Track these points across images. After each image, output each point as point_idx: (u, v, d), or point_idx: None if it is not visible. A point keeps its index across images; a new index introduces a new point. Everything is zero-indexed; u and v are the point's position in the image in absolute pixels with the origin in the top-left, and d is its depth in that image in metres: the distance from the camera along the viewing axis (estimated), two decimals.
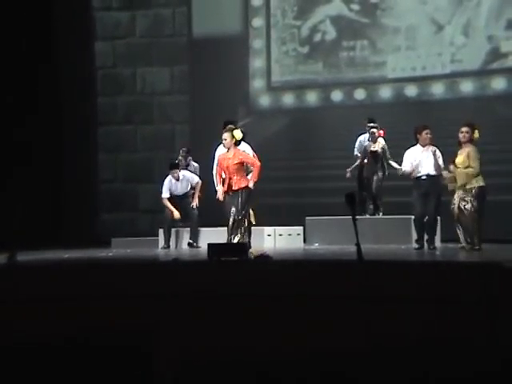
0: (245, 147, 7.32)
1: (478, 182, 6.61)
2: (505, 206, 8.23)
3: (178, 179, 8.48)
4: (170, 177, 8.50)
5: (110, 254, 7.34)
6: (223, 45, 10.55)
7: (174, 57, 10.74)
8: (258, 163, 6.69)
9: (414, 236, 7.21)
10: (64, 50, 10.34)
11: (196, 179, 8.52)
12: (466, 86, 9.93)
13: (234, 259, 5.02)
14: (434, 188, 6.82)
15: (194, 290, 3.50)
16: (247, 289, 3.48)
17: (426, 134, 7.17)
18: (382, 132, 8.48)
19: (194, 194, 8.43)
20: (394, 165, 7.92)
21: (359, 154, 8.67)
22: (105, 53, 10.83)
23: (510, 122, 9.36)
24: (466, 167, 6.71)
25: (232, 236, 6.45)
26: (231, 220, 6.41)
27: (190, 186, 8.52)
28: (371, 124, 8.44)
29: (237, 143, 6.65)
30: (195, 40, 10.80)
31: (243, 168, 6.64)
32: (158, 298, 3.22)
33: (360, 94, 10.51)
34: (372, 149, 8.40)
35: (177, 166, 8.53)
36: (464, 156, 6.62)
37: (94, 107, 10.66)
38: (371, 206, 8.46)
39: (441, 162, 6.90)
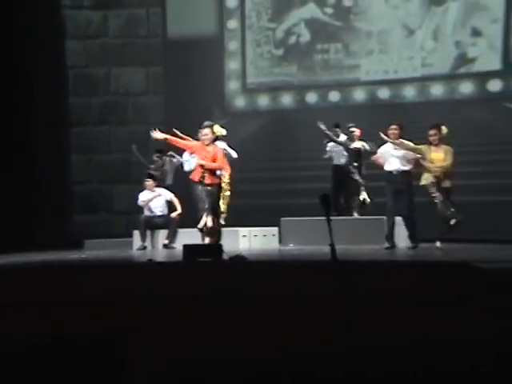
0: (224, 146, 7.24)
1: (450, 181, 6.62)
2: (471, 206, 8.26)
3: (152, 191, 8.48)
4: (145, 191, 8.50)
5: (83, 256, 7.23)
6: (198, 46, 10.52)
7: (148, 58, 10.70)
8: (222, 166, 6.90)
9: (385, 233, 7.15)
10: (33, 48, 10.08)
11: (170, 195, 8.45)
12: (437, 90, 10.10)
13: (209, 260, 4.96)
14: (406, 183, 6.81)
15: (169, 291, 3.46)
16: (222, 289, 3.50)
17: (390, 130, 7.12)
18: (358, 132, 8.52)
19: (174, 209, 8.35)
20: (369, 146, 8.10)
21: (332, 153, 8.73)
22: (76, 52, 10.67)
23: (477, 125, 9.55)
24: (443, 165, 6.73)
25: (205, 230, 6.56)
26: (205, 215, 6.53)
27: (166, 204, 8.50)
28: (351, 124, 8.51)
29: (216, 139, 6.75)
30: (170, 41, 10.76)
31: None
32: (131, 300, 3.21)
33: (334, 96, 10.61)
34: (352, 147, 8.39)
35: (151, 176, 8.46)
36: (442, 153, 6.59)
37: (66, 107, 10.49)
38: (354, 203, 8.43)
39: (411, 155, 6.83)
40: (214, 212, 6.58)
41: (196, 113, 9.14)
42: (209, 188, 6.53)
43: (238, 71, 10.85)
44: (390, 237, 7.09)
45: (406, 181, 6.82)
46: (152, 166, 8.73)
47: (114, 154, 10.62)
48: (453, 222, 6.37)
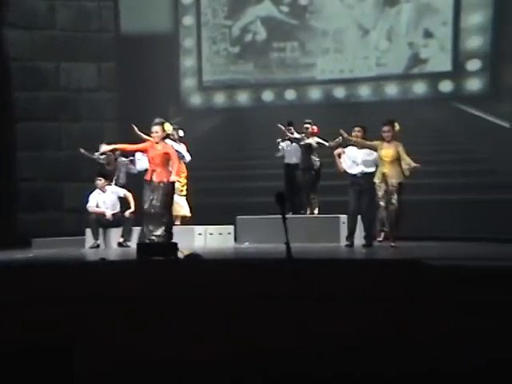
0: (179, 148, 7.22)
1: (401, 178, 6.86)
2: (420, 205, 8.54)
3: (104, 190, 8.33)
4: (96, 191, 8.33)
5: (31, 255, 7.08)
6: (153, 42, 10.41)
7: (100, 53, 10.50)
8: (177, 163, 6.84)
9: (344, 234, 7.49)
10: None
11: (122, 191, 8.32)
12: (391, 89, 10.28)
13: (163, 259, 4.88)
14: (368, 185, 7.01)
15: (121, 290, 3.43)
16: (176, 289, 3.45)
17: (354, 132, 7.26)
18: (315, 128, 8.55)
19: (128, 207, 8.26)
20: (323, 142, 8.25)
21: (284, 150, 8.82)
22: (21, 43, 10.15)
23: (430, 124, 9.72)
24: (393, 161, 6.81)
25: (150, 228, 6.48)
26: (148, 211, 6.54)
27: (118, 201, 8.38)
28: (307, 120, 8.60)
29: (166, 137, 6.80)
30: (123, 36, 10.64)
31: (168, 162, 6.67)
32: (81, 300, 3.16)
33: (290, 95, 10.68)
34: (303, 142, 8.45)
35: (102, 175, 8.35)
36: (393, 150, 6.74)
37: (11, 101, 10.05)
38: (305, 202, 8.53)
39: (374, 156, 7.05)
40: (168, 210, 6.49)
41: (151, 110, 9.04)
42: (161, 185, 6.48)
43: (194, 68, 10.81)
44: (350, 236, 7.42)
45: (368, 182, 7.05)
46: (102, 160, 8.60)
47: (65, 150, 10.35)
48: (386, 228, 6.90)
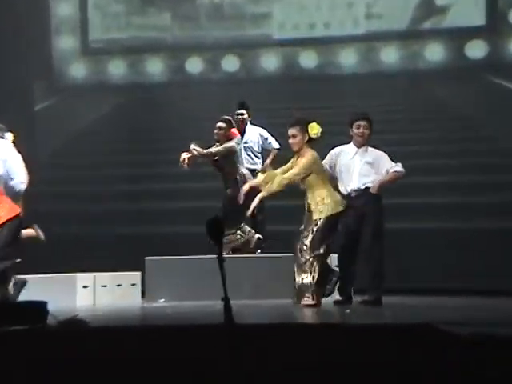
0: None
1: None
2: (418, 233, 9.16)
3: None
4: None
5: None
6: None
7: None
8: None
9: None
10: None
11: None
12: (389, 55, 10.39)
13: (25, 328, 4.84)
14: (371, 205, 7.63)
15: None
16: (41, 372, 3.54)
17: (358, 128, 7.54)
18: (235, 132, 8.87)
19: None
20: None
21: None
22: None
23: (449, 109, 10.07)
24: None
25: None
26: None
27: None
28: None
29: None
30: None
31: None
32: None
33: (230, 64, 10.75)
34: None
35: None
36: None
37: None
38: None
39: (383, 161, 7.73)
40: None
41: (7, 91, 9.48)
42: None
43: (75, 20, 10.79)
44: (344, 287, 7.49)
45: (370, 202, 7.31)
46: None
47: None
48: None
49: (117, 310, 7.57)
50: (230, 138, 8.34)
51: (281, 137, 8.33)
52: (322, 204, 6.98)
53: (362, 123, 7.21)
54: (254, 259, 8.37)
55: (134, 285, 8.70)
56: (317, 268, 7.02)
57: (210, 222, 3.76)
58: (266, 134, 8.99)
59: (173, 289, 8.36)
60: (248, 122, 8.94)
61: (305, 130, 6.99)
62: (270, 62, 10.70)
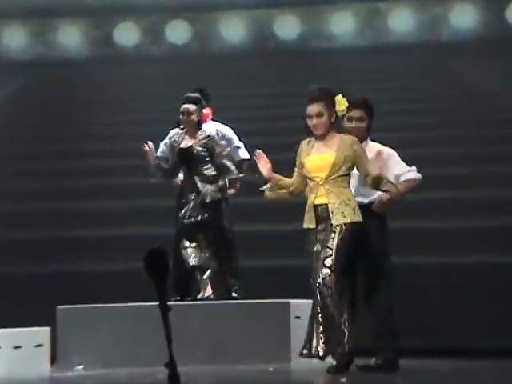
0: None
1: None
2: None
3: None
4: None
5: None
6: None
7: None
8: None
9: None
10: None
11: None
12: (400, 20, 9.88)
13: None
14: (376, 229, 6.50)
15: None
16: None
17: (349, 122, 6.42)
18: (208, 112, 7.69)
19: None
20: (230, 165, 7.55)
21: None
22: None
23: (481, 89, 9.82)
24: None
25: None
26: None
27: None
28: (184, 106, 7.57)
29: None
30: None
31: None
32: None
33: (177, 33, 10.31)
34: (183, 146, 7.49)
35: None
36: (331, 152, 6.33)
37: None
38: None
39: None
40: None
41: None
42: None
43: None
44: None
45: (372, 227, 6.37)
46: None
47: None
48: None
49: (9, 381, 6.91)
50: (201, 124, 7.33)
51: (251, 138, 7.80)
52: (346, 205, 6.14)
53: (355, 114, 6.28)
54: (215, 306, 7.51)
55: (39, 346, 7.75)
56: (346, 309, 6.07)
57: (150, 254, 3.37)
58: (232, 135, 7.73)
59: (96, 351, 7.45)
60: (208, 120, 7.58)
61: (332, 106, 5.96)
62: (233, 30, 10.36)
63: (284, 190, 6.47)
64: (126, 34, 10.35)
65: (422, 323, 8.44)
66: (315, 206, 6.47)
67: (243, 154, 8.55)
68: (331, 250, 6.33)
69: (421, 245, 8.90)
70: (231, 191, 7.98)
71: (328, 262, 6.35)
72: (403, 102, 10.38)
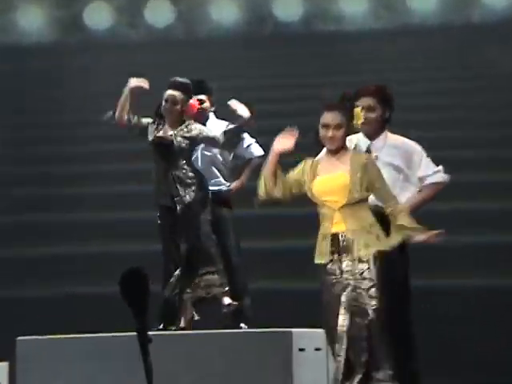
0: None
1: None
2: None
3: None
4: None
5: None
6: None
7: None
8: None
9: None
10: None
11: None
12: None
13: None
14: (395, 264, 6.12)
15: None
16: None
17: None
18: (195, 104, 6.89)
19: None
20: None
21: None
22: None
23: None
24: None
25: None
26: None
27: None
28: (170, 92, 7.02)
29: None
30: None
31: None
32: None
33: (159, 14, 10.05)
34: (160, 134, 6.69)
35: None
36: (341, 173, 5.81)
37: None
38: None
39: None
40: None
41: None
42: None
43: None
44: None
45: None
46: None
47: None
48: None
49: None
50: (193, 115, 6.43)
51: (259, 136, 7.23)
52: (367, 233, 5.59)
53: (366, 103, 5.82)
54: (204, 336, 6.94)
55: None
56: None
57: (127, 275, 3.37)
58: (245, 135, 7.14)
59: None
60: (210, 114, 6.98)
61: (350, 119, 5.52)
62: (224, 10, 10.06)
63: (274, 180, 5.44)
64: (97, 15, 10.02)
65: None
66: (332, 235, 5.78)
67: (257, 150, 8.28)
68: (372, 281, 5.67)
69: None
70: (234, 185, 7.30)
71: (373, 292, 5.60)
72: (425, 96, 10.28)
